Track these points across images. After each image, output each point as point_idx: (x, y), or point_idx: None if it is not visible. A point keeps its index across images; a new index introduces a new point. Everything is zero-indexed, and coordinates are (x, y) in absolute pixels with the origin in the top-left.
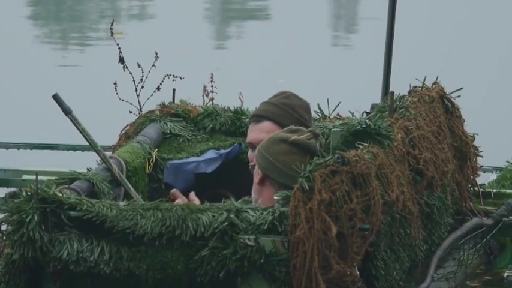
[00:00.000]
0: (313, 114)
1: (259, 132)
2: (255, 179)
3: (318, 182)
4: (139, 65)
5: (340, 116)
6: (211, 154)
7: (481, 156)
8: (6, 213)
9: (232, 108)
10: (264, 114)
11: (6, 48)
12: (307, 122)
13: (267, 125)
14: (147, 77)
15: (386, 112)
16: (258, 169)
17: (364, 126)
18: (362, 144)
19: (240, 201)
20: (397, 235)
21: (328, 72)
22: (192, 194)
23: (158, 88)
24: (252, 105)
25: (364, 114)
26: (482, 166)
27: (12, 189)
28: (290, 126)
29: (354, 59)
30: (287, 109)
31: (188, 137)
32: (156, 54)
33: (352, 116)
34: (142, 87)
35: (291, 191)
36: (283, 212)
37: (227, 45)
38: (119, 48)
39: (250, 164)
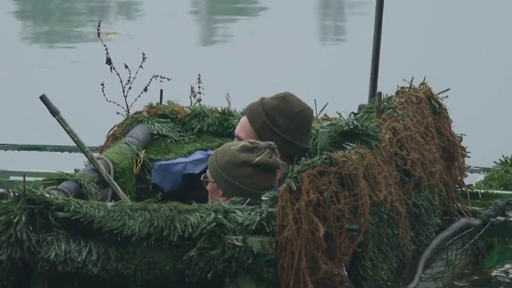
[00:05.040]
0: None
1: (239, 126)
2: (216, 197)
3: (305, 182)
4: (126, 66)
5: (327, 116)
6: (198, 155)
7: (469, 157)
8: None
9: (219, 109)
10: (247, 109)
11: None
12: (277, 128)
13: (243, 119)
14: (134, 78)
15: (374, 113)
16: (219, 190)
17: (351, 127)
18: (350, 145)
19: (227, 201)
20: (385, 235)
21: (315, 73)
22: None
23: (145, 89)
24: (240, 106)
25: (352, 115)
26: (469, 167)
27: (0, 190)
28: (244, 143)
29: (341, 60)
30: (261, 109)
31: (176, 138)
32: (143, 55)
33: (340, 116)
34: (130, 88)
35: (278, 191)
36: (271, 212)
37: (215, 45)
38: (106, 49)
39: (201, 178)
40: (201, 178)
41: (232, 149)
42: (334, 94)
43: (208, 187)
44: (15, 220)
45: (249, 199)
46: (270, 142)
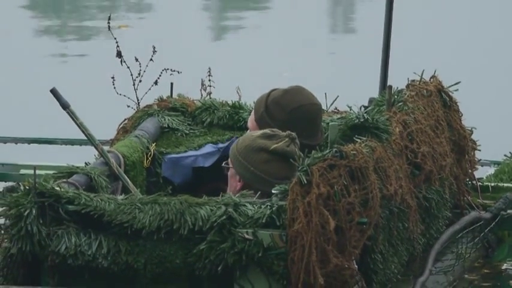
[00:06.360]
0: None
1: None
2: (234, 184)
3: (316, 175)
4: (136, 59)
5: (338, 110)
6: (209, 148)
7: (479, 150)
8: (4, 207)
9: (230, 103)
10: (257, 99)
11: (4, 41)
12: (271, 120)
13: (252, 112)
14: (144, 71)
15: (384, 106)
16: (236, 175)
17: (362, 120)
18: (360, 138)
19: (238, 195)
20: (395, 229)
21: (325, 66)
22: None
23: (156, 82)
24: (250, 99)
25: (362, 108)
26: (480, 160)
27: (10, 184)
28: (265, 131)
29: (351, 53)
30: (265, 101)
31: (186, 131)
32: (154, 48)
33: (350, 110)
34: (140, 81)
35: (289, 185)
36: (281, 205)
37: (226, 39)
38: (117, 42)
39: (223, 164)
40: (223, 164)
41: (253, 135)
42: (345, 87)
43: (228, 173)
44: (26, 213)
45: (258, 194)
46: (290, 132)
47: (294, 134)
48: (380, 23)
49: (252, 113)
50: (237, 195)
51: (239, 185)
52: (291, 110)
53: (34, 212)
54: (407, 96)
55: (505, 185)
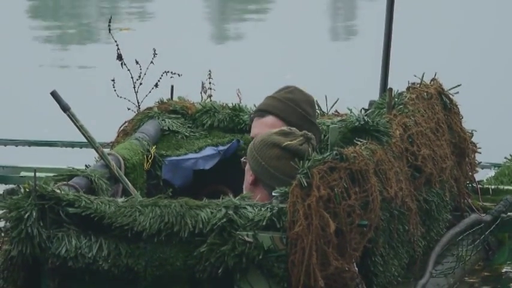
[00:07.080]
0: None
1: (263, 127)
2: (247, 177)
3: (316, 178)
4: (137, 62)
5: (338, 112)
6: (209, 151)
7: (479, 153)
8: (4, 210)
9: (230, 105)
10: (268, 109)
11: (4, 44)
12: (311, 117)
13: (270, 119)
14: (145, 74)
15: (385, 109)
16: (250, 169)
17: (362, 122)
18: (360, 141)
19: (238, 197)
20: (395, 231)
21: (326, 69)
22: None
23: (156, 85)
24: (251, 102)
25: (363, 111)
26: (480, 162)
27: (11, 186)
28: (282, 129)
29: (352, 56)
30: (290, 104)
31: (186, 133)
32: (154, 51)
33: (351, 112)
34: (141, 84)
35: (289, 187)
36: (282, 208)
37: (226, 41)
38: (117, 45)
39: (242, 159)
40: (242, 159)
41: (271, 131)
42: (345, 90)
43: (245, 168)
44: (26, 216)
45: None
46: (307, 132)
47: (310, 134)
48: (381, 26)
49: (275, 122)
50: (237, 198)
51: (250, 179)
52: (312, 103)
53: (34, 214)
54: (408, 98)
55: (506, 187)
